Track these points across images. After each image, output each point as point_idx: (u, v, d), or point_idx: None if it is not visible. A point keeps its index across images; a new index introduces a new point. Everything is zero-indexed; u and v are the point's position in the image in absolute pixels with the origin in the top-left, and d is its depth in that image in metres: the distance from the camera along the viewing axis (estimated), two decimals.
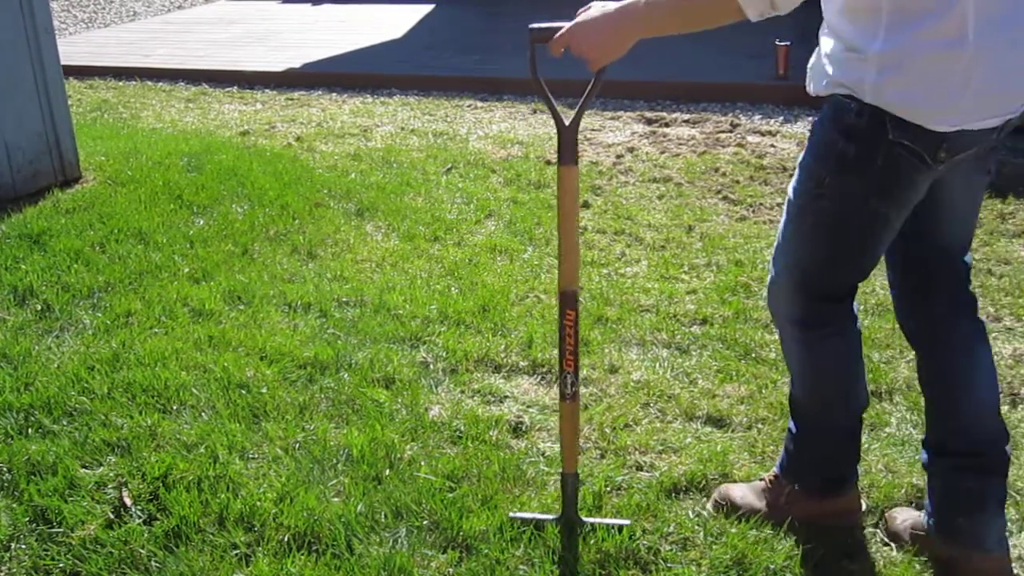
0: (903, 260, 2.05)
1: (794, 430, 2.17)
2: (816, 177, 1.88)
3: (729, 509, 2.23)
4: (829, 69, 1.81)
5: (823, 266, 1.98)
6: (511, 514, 2.21)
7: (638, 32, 1.83)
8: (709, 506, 2.28)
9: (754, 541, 2.14)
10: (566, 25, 1.90)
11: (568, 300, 2.05)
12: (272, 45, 8.49)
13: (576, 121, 1.99)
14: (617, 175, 4.83)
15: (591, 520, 2.17)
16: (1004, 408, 2.68)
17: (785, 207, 2.00)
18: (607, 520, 2.18)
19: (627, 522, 2.17)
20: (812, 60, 1.89)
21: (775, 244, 2.06)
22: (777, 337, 2.25)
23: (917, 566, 2.07)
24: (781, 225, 2.02)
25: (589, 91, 1.98)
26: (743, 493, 2.25)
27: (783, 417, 2.62)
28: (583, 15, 1.90)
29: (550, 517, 2.19)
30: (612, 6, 1.86)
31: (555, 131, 2.04)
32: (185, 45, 8.61)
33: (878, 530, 2.20)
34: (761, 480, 2.26)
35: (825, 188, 1.87)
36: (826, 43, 1.83)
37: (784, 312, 2.07)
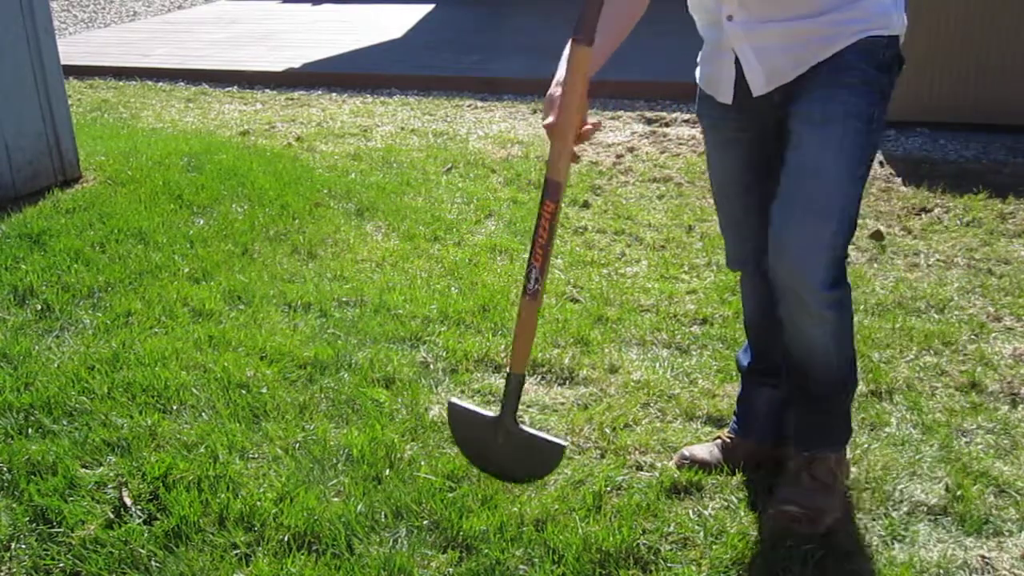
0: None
1: (819, 404, 2.19)
2: (867, 116, 1.97)
3: (691, 465, 2.38)
4: (853, 15, 1.94)
5: (859, 205, 2.05)
6: (451, 399, 2.21)
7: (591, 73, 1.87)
8: (672, 464, 2.42)
9: (754, 541, 2.14)
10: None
11: (551, 191, 1.93)
12: (272, 45, 8.49)
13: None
14: (617, 175, 4.83)
15: (527, 430, 2.07)
16: (1004, 408, 2.69)
17: (832, 158, 1.97)
18: (542, 434, 2.08)
19: (565, 443, 2.08)
20: (807, 30, 1.97)
21: (815, 206, 1.98)
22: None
23: (917, 566, 2.07)
24: (829, 179, 1.97)
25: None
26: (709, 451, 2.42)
27: None
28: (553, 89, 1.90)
29: (488, 414, 2.10)
30: (560, 73, 1.89)
31: None
32: (185, 45, 8.62)
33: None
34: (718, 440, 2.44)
35: (875, 123, 1.98)
36: (821, 3, 1.95)
37: (823, 276, 2.00)
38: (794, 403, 2.25)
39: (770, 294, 2.12)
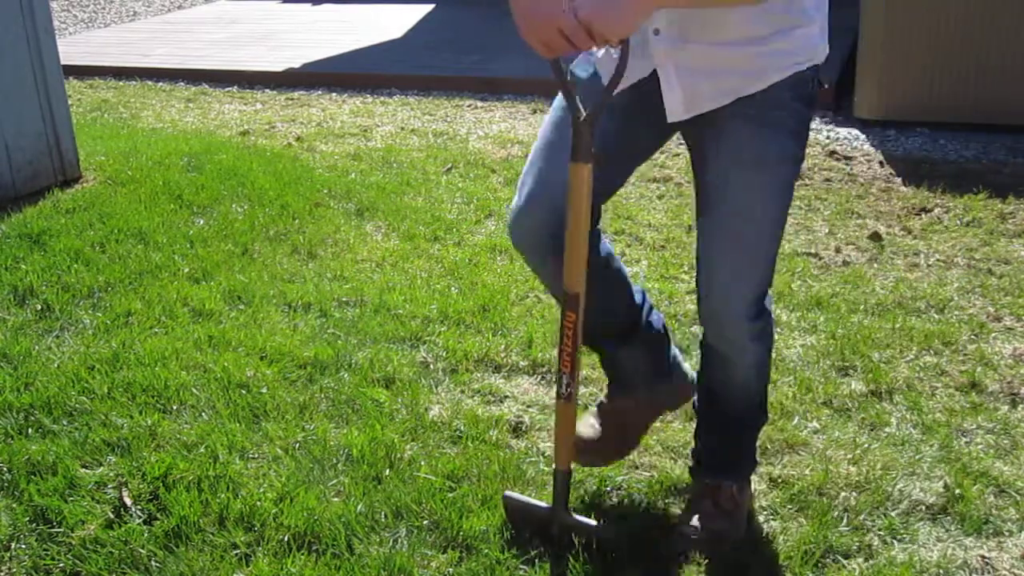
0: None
1: (749, 428, 2.22)
2: (798, 157, 1.96)
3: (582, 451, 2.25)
4: (784, 47, 1.86)
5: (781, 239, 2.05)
6: (506, 493, 2.22)
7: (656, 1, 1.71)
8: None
9: (754, 540, 2.15)
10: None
11: (571, 302, 2.01)
12: (272, 45, 8.49)
13: (596, 112, 1.85)
14: None
15: (578, 519, 2.12)
16: (1004, 408, 2.69)
17: (761, 202, 1.94)
18: (593, 522, 2.13)
19: (613, 533, 2.11)
20: (733, 64, 1.87)
21: (742, 247, 1.96)
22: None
23: (917, 566, 2.07)
24: (757, 223, 1.95)
25: (618, 69, 1.82)
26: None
27: (782, 417, 2.63)
28: None
29: (543, 505, 2.17)
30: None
31: None
32: (185, 45, 8.61)
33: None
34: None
35: (800, 162, 1.98)
36: (753, 30, 1.84)
37: (747, 309, 2.01)
38: (703, 431, 2.27)
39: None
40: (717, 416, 2.21)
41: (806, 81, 1.89)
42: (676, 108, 1.92)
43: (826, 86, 2.00)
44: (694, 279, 3.55)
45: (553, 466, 2.16)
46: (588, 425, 2.32)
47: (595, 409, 2.38)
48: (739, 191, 1.93)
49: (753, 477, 2.30)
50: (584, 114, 1.85)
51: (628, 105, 1.95)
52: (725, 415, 2.19)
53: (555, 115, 2.04)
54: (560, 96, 1.99)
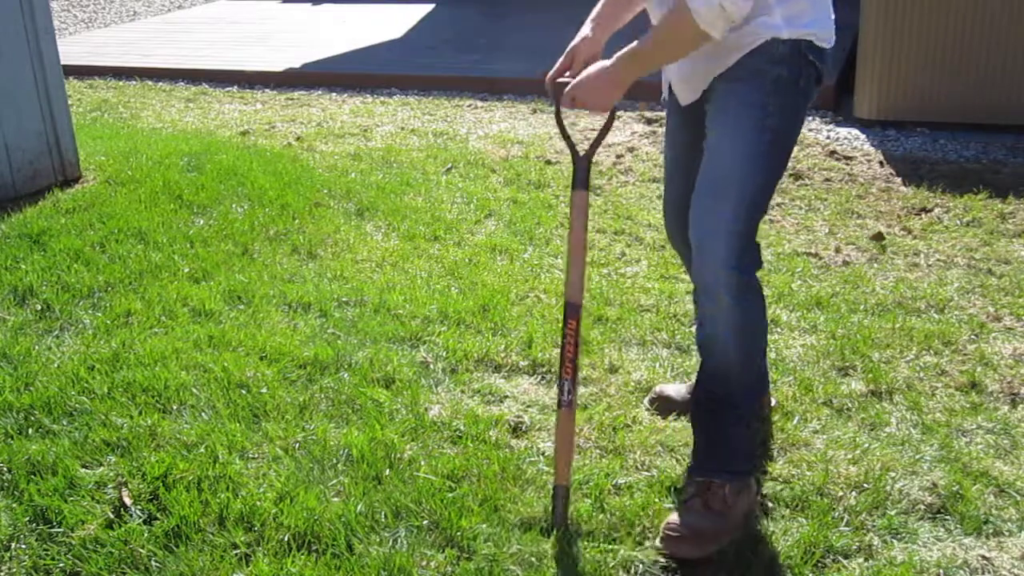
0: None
1: (726, 418, 2.24)
2: (759, 103, 2.10)
3: (661, 404, 2.65)
4: (747, 31, 2.06)
5: (769, 195, 2.17)
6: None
7: (632, 78, 2.10)
8: (645, 401, 2.68)
9: (754, 540, 2.15)
10: (573, 82, 2.16)
11: (572, 311, 2.17)
12: (272, 45, 8.49)
13: (591, 153, 2.22)
14: (617, 175, 4.83)
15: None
16: (1004, 408, 2.69)
17: (728, 142, 2.13)
18: None
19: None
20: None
21: (711, 186, 2.14)
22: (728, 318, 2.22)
23: (917, 566, 2.07)
24: (723, 162, 2.13)
25: (604, 128, 2.26)
26: (677, 390, 2.67)
27: (782, 417, 2.62)
28: (584, 72, 2.14)
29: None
30: (608, 63, 2.11)
31: (555, 130, 2.14)
32: (185, 45, 8.61)
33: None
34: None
35: (770, 108, 2.11)
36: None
37: (723, 255, 2.12)
38: (693, 425, 2.30)
39: None
40: (703, 394, 2.25)
41: (772, 46, 2.05)
42: (684, 96, 2.29)
43: (819, 66, 2.13)
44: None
45: (553, 483, 2.19)
46: (672, 386, 2.71)
47: (687, 383, 2.67)
48: (713, 137, 2.16)
49: (755, 480, 2.29)
50: (582, 153, 2.21)
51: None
52: (709, 389, 2.22)
53: (667, 139, 2.50)
54: (668, 124, 2.47)
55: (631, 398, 2.74)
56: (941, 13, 5.20)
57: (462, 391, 2.80)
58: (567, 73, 2.28)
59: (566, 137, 2.30)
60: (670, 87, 2.39)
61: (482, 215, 4.25)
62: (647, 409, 2.66)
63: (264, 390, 2.76)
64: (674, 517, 2.15)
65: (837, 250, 3.83)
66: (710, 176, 2.15)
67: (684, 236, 2.29)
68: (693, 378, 2.67)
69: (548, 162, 4.99)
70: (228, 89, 7.16)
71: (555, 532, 2.15)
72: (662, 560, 2.09)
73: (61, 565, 2.11)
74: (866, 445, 2.50)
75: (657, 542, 2.12)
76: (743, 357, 2.20)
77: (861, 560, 2.10)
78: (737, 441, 2.24)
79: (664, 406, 2.66)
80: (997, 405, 2.70)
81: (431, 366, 2.93)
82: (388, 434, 2.54)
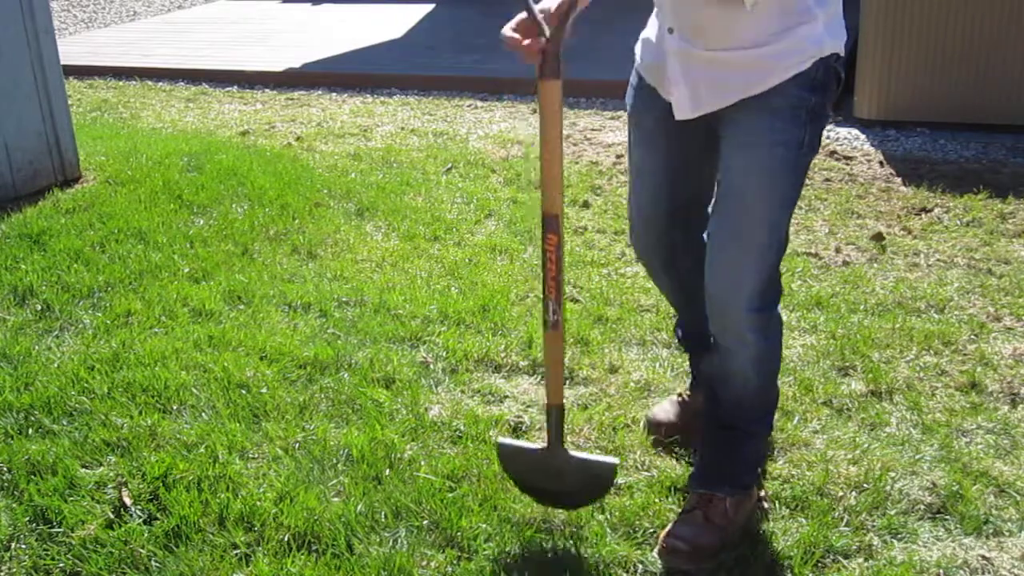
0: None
1: (751, 436, 2.21)
2: (797, 140, 1.95)
3: (667, 431, 2.49)
4: (785, 48, 1.90)
5: (787, 228, 2.07)
6: (499, 439, 2.24)
7: None
8: (644, 433, 2.53)
9: (754, 540, 2.15)
10: None
11: (550, 224, 2.02)
12: (272, 45, 8.49)
13: (558, 34, 1.88)
14: (617, 175, 4.83)
15: (577, 455, 2.13)
16: (1004, 408, 2.69)
17: (755, 184, 1.98)
18: (594, 456, 2.15)
19: (615, 460, 2.11)
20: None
21: (738, 232, 2.01)
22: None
23: (917, 566, 2.07)
24: (752, 207, 1.99)
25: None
26: (667, 413, 2.54)
27: (783, 417, 2.62)
28: None
29: (536, 447, 2.17)
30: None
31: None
32: (185, 45, 8.61)
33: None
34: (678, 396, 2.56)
35: (805, 147, 1.97)
36: (759, 33, 1.89)
37: (748, 297, 2.02)
38: (703, 439, 2.26)
39: (685, 272, 2.25)
40: (716, 419, 2.20)
41: (811, 71, 1.91)
42: (683, 106, 2.01)
43: (843, 75, 2.01)
44: None
45: (546, 404, 2.14)
46: (663, 409, 2.55)
47: (674, 398, 2.57)
48: (736, 174, 1.98)
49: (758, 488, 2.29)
50: (547, 35, 1.89)
51: (660, 123, 2.12)
52: (723, 417, 2.18)
53: (632, 136, 2.25)
54: (637, 136, 2.24)
55: (631, 398, 2.74)
56: (941, 13, 5.20)
57: (462, 391, 2.80)
58: None
59: (530, 9, 1.91)
60: (644, 80, 2.16)
61: (482, 215, 4.25)
62: (653, 437, 2.53)
63: (264, 390, 2.76)
64: (673, 527, 2.12)
65: (837, 250, 3.83)
66: (735, 222, 1.99)
67: (659, 248, 2.25)
68: (682, 387, 2.67)
69: None
70: (228, 89, 7.16)
71: (549, 452, 2.14)
72: (658, 561, 2.09)
73: (61, 565, 2.11)
74: (866, 445, 2.50)
75: (655, 552, 2.11)
76: (764, 381, 2.16)
77: (861, 560, 2.10)
78: (746, 457, 2.22)
79: (668, 432, 2.50)
80: (997, 405, 2.70)
81: (431, 366, 2.93)
82: (388, 434, 2.54)
